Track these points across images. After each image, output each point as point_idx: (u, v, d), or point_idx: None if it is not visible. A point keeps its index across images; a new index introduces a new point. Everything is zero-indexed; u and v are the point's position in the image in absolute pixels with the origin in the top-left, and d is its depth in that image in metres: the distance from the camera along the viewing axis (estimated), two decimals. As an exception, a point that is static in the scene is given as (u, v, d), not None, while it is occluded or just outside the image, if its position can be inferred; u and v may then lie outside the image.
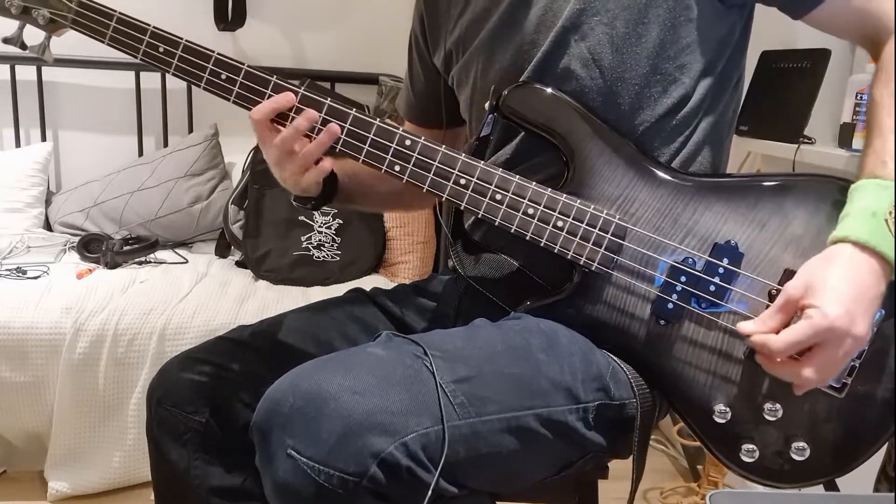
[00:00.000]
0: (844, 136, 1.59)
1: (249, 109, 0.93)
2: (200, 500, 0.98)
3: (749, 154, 1.95)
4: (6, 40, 0.96)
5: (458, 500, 0.77)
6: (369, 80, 2.48)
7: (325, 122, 0.92)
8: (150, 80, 2.47)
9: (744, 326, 0.81)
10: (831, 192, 0.88)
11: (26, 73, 2.42)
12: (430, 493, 0.71)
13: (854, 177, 0.86)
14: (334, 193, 1.05)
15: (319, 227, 2.20)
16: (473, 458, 0.76)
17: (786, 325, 0.79)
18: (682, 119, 0.96)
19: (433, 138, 0.93)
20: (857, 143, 1.55)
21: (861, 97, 1.57)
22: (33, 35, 0.96)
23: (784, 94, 1.74)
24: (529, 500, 1.08)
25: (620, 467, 0.97)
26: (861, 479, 0.91)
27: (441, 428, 0.73)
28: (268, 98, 0.92)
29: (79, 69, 2.42)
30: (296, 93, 0.92)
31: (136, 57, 0.93)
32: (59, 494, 1.80)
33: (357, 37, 2.57)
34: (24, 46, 0.96)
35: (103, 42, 0.93)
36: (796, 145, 1.62)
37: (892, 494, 0.70)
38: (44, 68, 2.41)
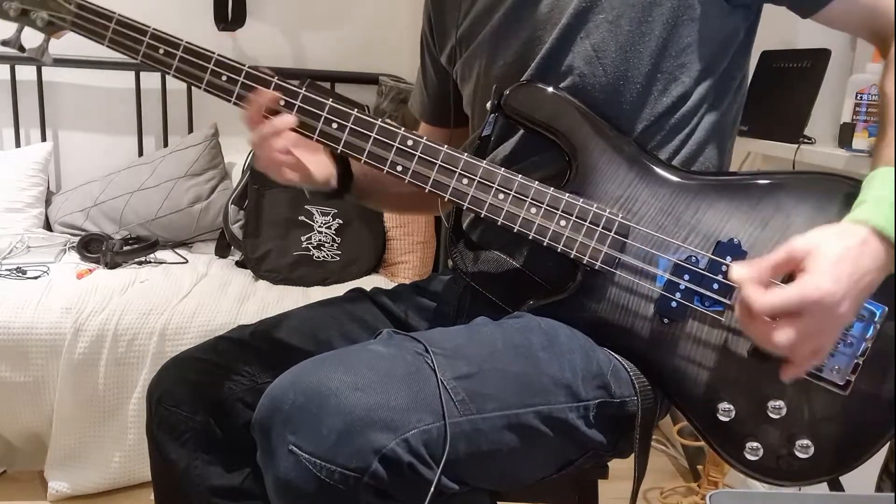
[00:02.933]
0: (844, 136, 1.59)
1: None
2: (201, 499, 0.98)
3: (749, 154, 1.95)
4: (4, 43, 0.95)
5: (457, 498, 0.77)
6: (369, 80, 2.49)
7: (328, 122, 0.92)
8: (150, 80, 2.47)
9: (735, 271, 0.78)
10: (834, 189, 0.88)
11: (26, 73, 2.42)
12: (432, 489, 0.71)
13: (869, 166, 0.85)
14: (346, 190, 1.05)
15: (319, 227, 2.20)
16: (474, 454, 0.76)
17: (775, 277, 0.78)
18: (680, 118, 0.96)
19: (447, 138, 0.93)
20: (858, 143, 1.55)
21: (861, 97, 1.56)
22: (32, 38, 0.95)
23: (784, 94, 1.74)
24: (529, 500, 1.08)
25: (620, 467, 0.97)
26: (864, 477, 0.91)
27: (442, 424, 0.73)
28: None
29: (79, 69, 2.42)
30: (297, 94, 0.92)
31: (136, 59, 0.93)
32: (59, 494, 1.80)
33: (357, 37, 2.58)
34: (22, 49, 0.95)
35: (103, 44, 0.93)
36: (796, 145, 1.63)
37: (892, 495, 0.70)
38: (44, 68, 2.41)
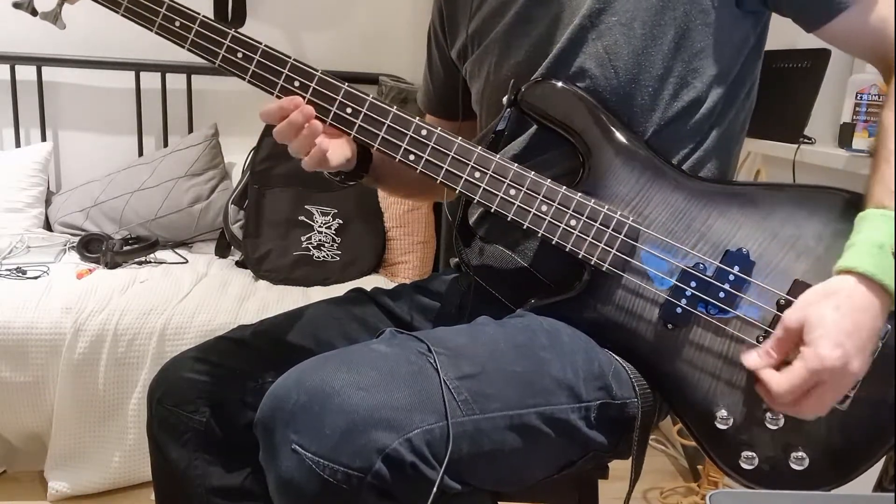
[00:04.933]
0: (844, 136, 1.59)
1: (265, 90, 0.92)
2: (201, 499, 0.98)
3: (749, 154, 1.95)
4: (16, 5, 0.94)
5: (459, 498, 0.77)
6: (369, 80, 2.48)
7: (342, 107, 0.91)
8: (150, 79, 2.47)
9: (748, 360, 0.82)
10: (845, 205, 0.88)
11: (26, 73, 2.41)
12: (435, 489, 0.71)
13: (861, 202, 0.85)
14: (365, 172, 1.04)
15: (319, 227, 2.20)
16: (476, 454, 0.76)
17: (786, 355, 0.80)
18: (693, 124, 0.96)
19: (453, 130, 0.92)
20: (857, 143, 1.55)
21: (861, 97, 1.57)
22: (46, 4, 0.95)
23: (784, 94, 1.74)
24: (529, 500, 1.08)
25: (620, 467, 0.97)
26: (858, 480, 0.91)
27: (445, 424, 0.73)
28: (284, 79, 0.91)
29: (79, 69, 2.42)
30: (312, 77, 0.91)
31: (151, 30, 0.91)
32: (59, 494, 1.80)
33: (357, 37, 2.58)
34: (34, 12, 0.94)
35: (118, 12, 0.91)
36: (796, 145, 1.63)
37: (892, 495, 0.70)
38: (44, 68, 2.40)
